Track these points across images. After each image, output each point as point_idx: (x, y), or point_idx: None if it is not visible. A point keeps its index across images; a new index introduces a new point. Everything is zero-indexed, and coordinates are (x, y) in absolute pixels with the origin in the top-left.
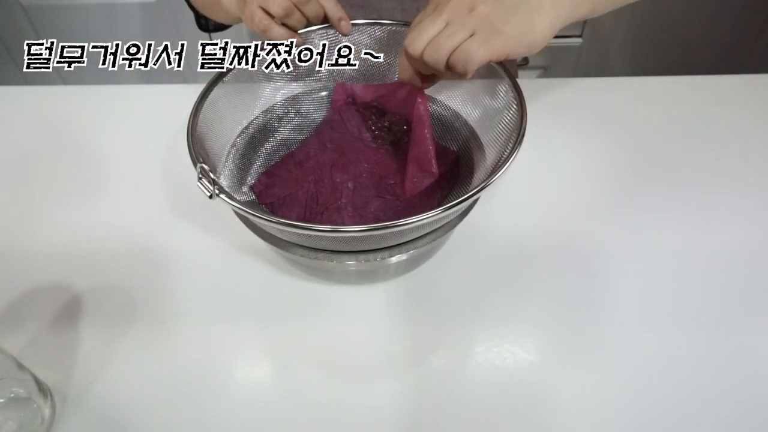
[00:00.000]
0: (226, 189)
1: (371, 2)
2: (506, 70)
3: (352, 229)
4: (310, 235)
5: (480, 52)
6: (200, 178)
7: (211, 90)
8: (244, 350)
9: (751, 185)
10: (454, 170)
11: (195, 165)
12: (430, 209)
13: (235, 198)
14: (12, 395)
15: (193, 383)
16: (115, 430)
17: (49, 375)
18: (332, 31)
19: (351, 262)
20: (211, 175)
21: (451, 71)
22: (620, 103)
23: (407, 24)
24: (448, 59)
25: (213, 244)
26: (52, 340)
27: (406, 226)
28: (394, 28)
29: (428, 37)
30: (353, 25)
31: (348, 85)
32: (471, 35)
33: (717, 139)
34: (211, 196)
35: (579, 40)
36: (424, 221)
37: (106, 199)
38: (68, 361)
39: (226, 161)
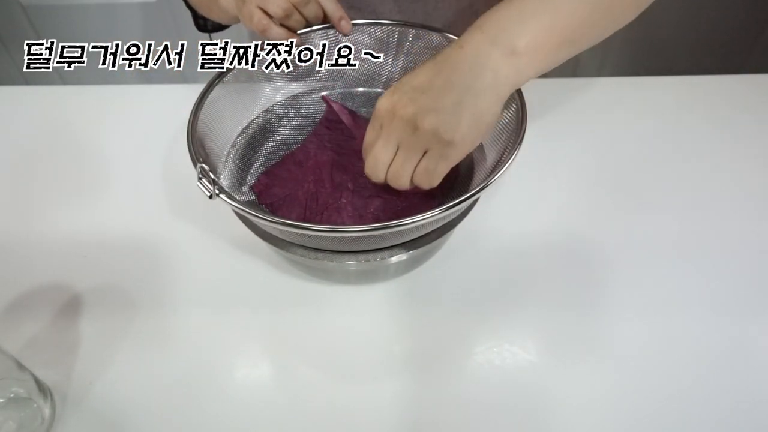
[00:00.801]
0: (226, 189)
1: (368, 4)
2: None
3: (352, 229)
4: (310, 235)
5: (439, 169)
6: (200, 178)
7: (211, 90)
8: (244, 350)
9: (751, 185)
10: (454, 170)
11: (195, 165)
12: (430, 209)
13: (235, 198)
14: (12, 395)
15: (193, 383)
16: (115, 430)
17: (49, 375)
18: (332, 31)
19: (351, 262)
20: (211, 175)
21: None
22: (620, 102)
23: (407, 24)
24: (411, 180)
25: (213, 244)
26: (52, 340)
27: (406, 226)
28: (394, 28)
29: (385, 165)
30: (353, 25)
31: (337, 105)
32: (425, 153)
33: (717, 138)
34: (211, 196)
35: None
36: (424, 221)
37: (106, 199)
38: (68, 361)
39: (226, 161)
